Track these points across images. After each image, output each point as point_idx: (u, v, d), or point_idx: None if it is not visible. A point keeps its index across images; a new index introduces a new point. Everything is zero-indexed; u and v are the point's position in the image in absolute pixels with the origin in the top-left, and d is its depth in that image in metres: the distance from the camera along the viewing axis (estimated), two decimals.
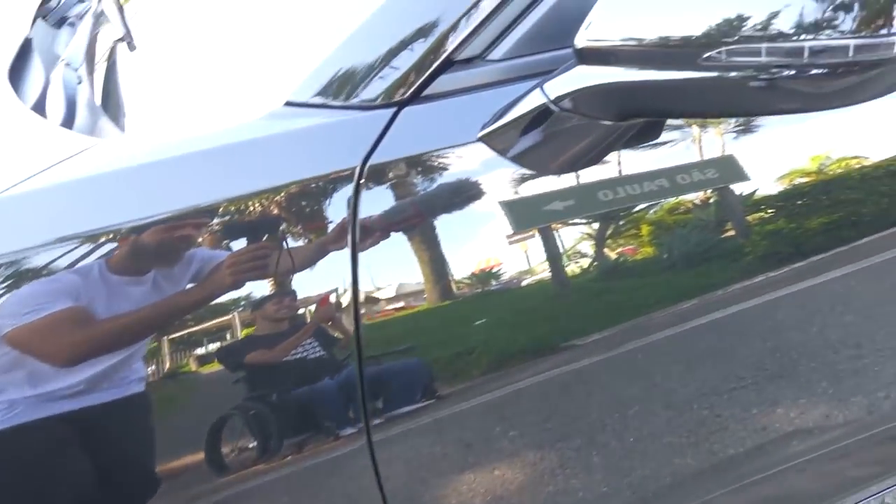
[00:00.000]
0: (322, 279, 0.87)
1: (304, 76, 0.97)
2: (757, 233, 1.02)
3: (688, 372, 1.09)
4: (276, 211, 0.87)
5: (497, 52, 0.91)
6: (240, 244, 0.85)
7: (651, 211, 0.97)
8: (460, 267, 0.92)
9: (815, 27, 0.70)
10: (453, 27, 0.91)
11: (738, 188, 0.99)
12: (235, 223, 0.86)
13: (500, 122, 0.88)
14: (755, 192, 0.99)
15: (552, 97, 0.85)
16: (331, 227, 0.87)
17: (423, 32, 0.92)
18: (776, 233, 1.02)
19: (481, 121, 0.90)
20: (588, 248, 0.96)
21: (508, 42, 0.91)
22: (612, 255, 0.97)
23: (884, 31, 0.68)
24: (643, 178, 0.96)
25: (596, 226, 0.96)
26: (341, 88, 0.94)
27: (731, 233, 1.01)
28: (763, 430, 1.20)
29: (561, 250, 0.95)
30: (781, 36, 0.71)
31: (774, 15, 0.71)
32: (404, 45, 0.92)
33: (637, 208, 0.96)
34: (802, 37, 0.70)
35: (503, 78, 0.91)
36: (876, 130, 1.01)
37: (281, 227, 0.87)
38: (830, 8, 0.69)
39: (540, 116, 0.87)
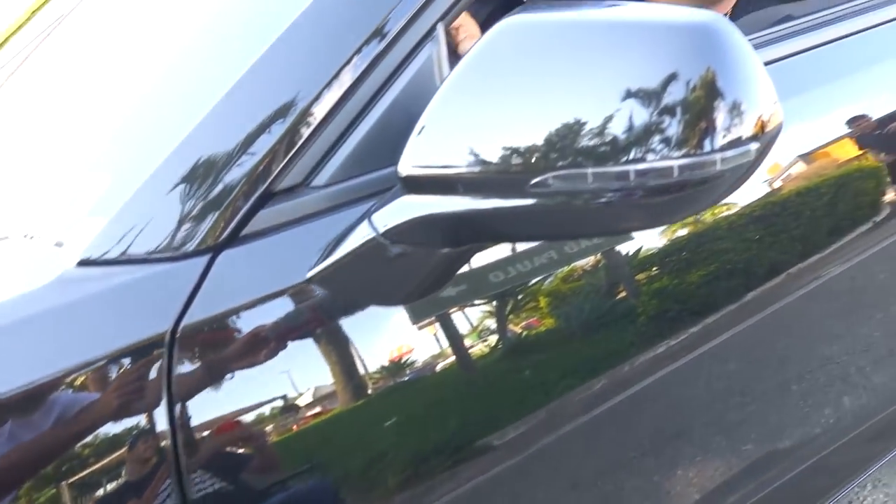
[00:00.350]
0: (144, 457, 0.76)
1: (100, 228, 0.84)
2: (645, 293, 1.01)
3: (590, 445, 1.05)
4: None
5: (321, 178, 0.84)
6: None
7: (546, 282, 0.94)
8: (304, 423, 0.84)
9: (640, 149, 0.69)
10: (269, 156, 0.83)
11: (623, 248, 0.99)
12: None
13: (330, 260, 0.81)
14: (639, 249, 0.99)
15: (381, 230, 0.79)
16: (142, 404, 0.76)
17: (235, 165, 0.84)
18: (662, 291, 1.02)
19: (310, 256, 0.82)
20: (491, 326, 0.92)
21: (332, 165, 0.85)
22: (516, 332, 0.93)
23: (707, 149, 0.68)
24: (533, 253, 0.93)
25: (494, 304, 0.92)
26: (145, 238, 0.82)
27: (623, 294, 1.00)
28: (667, 494, 1.18)
29: (457, 338, 0.90)
30: (606, 160, 0.70)
31: (599, 139, 0.69)
32: (215, 181, 0.83)
33: (532, 282, 0.93)
34: (628, 158, 0.69)
35: (331, 205, 0.84)
36: None
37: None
38: (653, 129, 0.68)
39: (371, 250, 0.80)
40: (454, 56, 0.83)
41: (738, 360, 1.16)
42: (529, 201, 0.73)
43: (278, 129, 0.83)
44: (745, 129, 0.69)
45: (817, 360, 1.24)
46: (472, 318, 0.91)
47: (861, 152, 1.12)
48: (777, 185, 1.06)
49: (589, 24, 0.73)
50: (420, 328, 0.88)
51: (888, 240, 1.17)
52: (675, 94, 0.68)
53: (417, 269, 0.82)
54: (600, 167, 0.70)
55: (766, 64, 1.04)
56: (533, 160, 0.71)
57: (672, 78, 0.68)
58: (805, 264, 1.09)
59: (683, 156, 0.68)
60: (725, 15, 1.39)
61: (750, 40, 1.06)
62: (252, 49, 0.90)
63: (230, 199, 0.81)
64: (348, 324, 0.84)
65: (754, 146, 0.69)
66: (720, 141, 0.68)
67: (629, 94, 0.69)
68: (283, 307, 0.81)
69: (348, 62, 0.85)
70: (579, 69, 0.71)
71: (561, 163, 0.70)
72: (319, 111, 0.84)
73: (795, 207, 1.07)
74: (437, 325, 0.89)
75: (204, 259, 0.80)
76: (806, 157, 1.08)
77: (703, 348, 1.08)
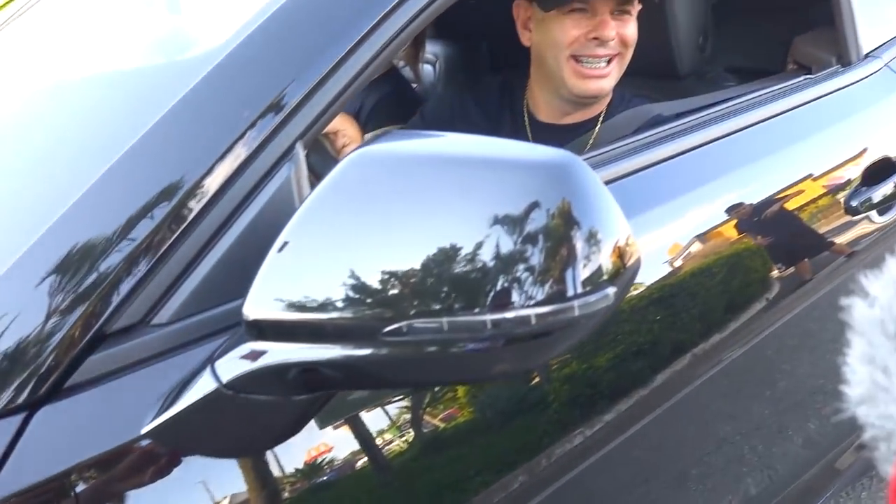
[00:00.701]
0: None
1: None
2: (556, 378, 0.99)
3: None
4: None
5: (163, 315, 0.74)
6: None
7: None
8: None
9: (500, 287, 0.65)
10: (103, 293, 0.72)
11: None
12: None
13: (169, 413, 0.71)
14: None
15: (225, 380, 0.70)
16: None
17: (61, 305, 0.72)
18: (573, 376, 1.00)
19: (147, 407, 0.72)
20: (408, 419, 0.86)
21: (177, 300, 0.75)
22: (434, 425, 0.88)
23: (571, 294, 0.66)
24: None
25: (411, 398, 0.87)
26: None
27: (536, 380, 0.97)
28: None
29: (368, 437, 0.83)
30: (462, 310, 0.65)
31: (455, 281, 0.65)
32: (35, 325, 0.71)
33: None
34: (487, 304, 0.65)
35: (174, 345, 0.74)
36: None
37: None
38: (509, 279, 0.65)
39: (214, 401, 0.71)
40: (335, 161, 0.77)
41: (644, 447, 1.15)
42: (385, 350, 0.67)
43: (114, 261, 0.73)
44: (604, 257, 0.67)
45: (714, 442, 1.25)
46: (390, 412, 0.85)
47: (744, 235, 1.17)
48: (676, 265, 1.08)
49: (442, 160, 0.69)
50: (335, 427, 0.81)
51: (776, 317, 1.22)
52: (533, 226, 0.65)
53: (269, 419, 0.74)
54: (456, 317, 0.65)
55: (659, 162, 1.09)
56: (386, 307, 0.66)
57: (529, 213, 0.66)
58: (707, 343, 1.11)
59: (542, 302, 0.65)
60: (600, 114, 1.44)
61: (651, 137, 1.12)
62: (83, 174, 0.79)
63: (52, 346, 0.70)
64: (191, 478, 0.73)
65: (612, 290, 0.68)
66: (581, 271, 0.66)
67: (488, 231, 0.66)
68: (113, 468, 0.70)
69: (199, 184, 0.76)
70: (434, 207, 0.67)
71: (414, 311, 0.65)
72: (161, 240, 0.74)
73: (692, 288, 1.10)
74: (347, 425, 0.82)
75: (16, 420, 0.68)
76: (700, 239, 1.11)
77: (617, 439, 1.07)
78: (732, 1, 1.75)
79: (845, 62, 1.43)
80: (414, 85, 1.89)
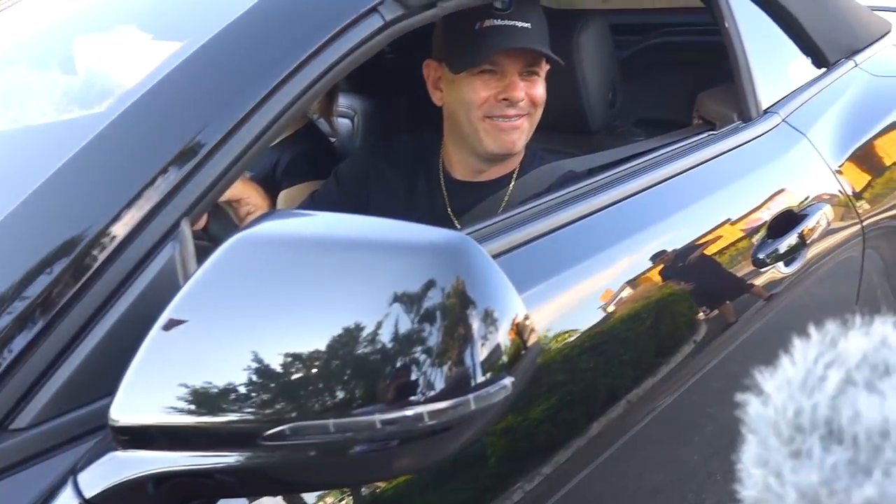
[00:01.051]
0: None
1: None
2: (493, 432, 0.96)
3: None
4: None
5: (24, 417, 0.67)
6: None
7: None
8: None
9: (389, 387, 0.62)
10: None
11: None
12: None
13: None
14: None
15: (88, 496, 0.63)
16: None
17: None
18: (510, 429, 0.98)
19: None
20: None
21: (40, 400, 0.68)
22: (375, 485, 0.83)
23: (471, 383, 0.63)
24: None
25: None
26: None
27: None
28: None
29: None
30: (348, 409, 0.61)
31: (339, 388, 0.61)
32: None
33: None
34: (378, 396, 0.62)
35: (36, 451, 0.67)
36: (567, 305, 1.05)
37: None
38: (407, 361, 0.62)
39: None
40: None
41: (582, 499, 1.12)
42: (266, 455, 0.62)
43: None
44: (502, 335, 0.65)
45: (648, 492, 1.23)
46: None
47: (669, 281, 1.19)
48: (609, 310, 1.08)
49: (327, 242, 0.66)
50: (273, 499, 0.75)
51: (703, 361, 1.23)
52: (429, 306, 0.63)
53: None
54: (344, 417, 0.61)
55: (577, 220, 1.09)
56: (264, 408, 0.60)
57: (423, 296, 0.63)
58: (640, 389, 1.10)
59: (438, 396, 0.62)
60: (514, 171, 1.45)
61: (567, 196, 1.12)
62: None
63: None
64: None
65: (509, 381, 0.65)
66: (480, 351, 0.63)
67: (382, 314, 0.62)
68: None
69: (81, 257, 0.70)
70: (320, 291, 0.62)
71: (297, 412, 0.60)
72: (21, 334, 0.67)
73: (623, 334, 1.10)
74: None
75: None
76: (631, 284, 1.12)
77: (557, 494, 1.04)
78: (640, 57, 1.82)
79: (746, 118, 1.49)
80: (332, 139, 1.86)
